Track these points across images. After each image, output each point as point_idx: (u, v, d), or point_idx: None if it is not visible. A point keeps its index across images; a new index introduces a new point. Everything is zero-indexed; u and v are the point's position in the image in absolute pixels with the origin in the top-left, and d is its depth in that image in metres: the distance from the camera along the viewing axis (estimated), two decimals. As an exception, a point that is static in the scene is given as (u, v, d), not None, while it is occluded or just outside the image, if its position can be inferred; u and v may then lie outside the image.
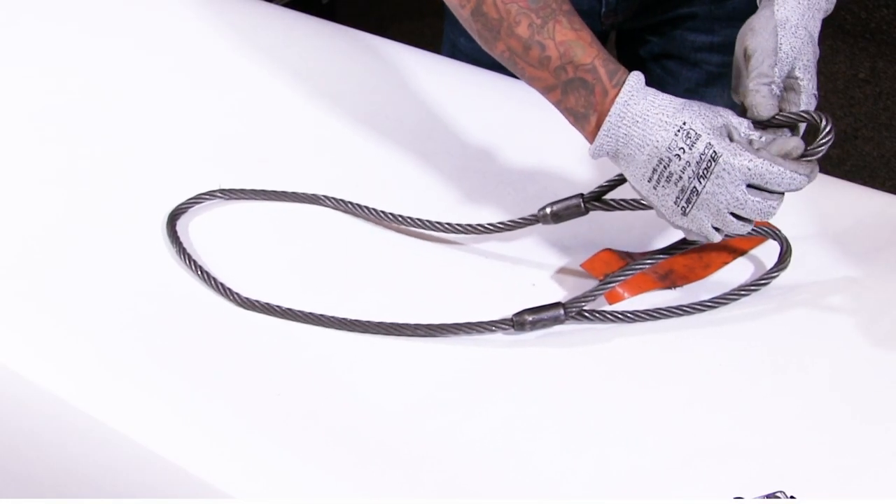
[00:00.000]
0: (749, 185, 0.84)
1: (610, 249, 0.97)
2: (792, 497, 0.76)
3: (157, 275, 0.98)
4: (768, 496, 0.76)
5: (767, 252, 0.98)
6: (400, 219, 1.01)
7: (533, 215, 0.97)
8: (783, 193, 0.86)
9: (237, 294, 0.95)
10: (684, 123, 0.85)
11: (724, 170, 0.84)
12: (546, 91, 0.90)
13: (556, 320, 0.91)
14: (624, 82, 0.87)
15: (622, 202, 0.95)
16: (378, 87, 1.22)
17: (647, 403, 0.86)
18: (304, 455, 0.82)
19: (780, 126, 0.87)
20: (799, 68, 0.89)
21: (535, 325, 0.91)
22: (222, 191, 1.06)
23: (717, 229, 0.87)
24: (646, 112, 0.86)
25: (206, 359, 0.90)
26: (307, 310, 0.93)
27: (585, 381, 0.88)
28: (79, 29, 1.33)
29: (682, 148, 0.85)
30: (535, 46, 0.89)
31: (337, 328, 0.92)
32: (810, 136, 0.87)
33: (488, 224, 0.98)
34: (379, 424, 0.84)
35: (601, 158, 0.89)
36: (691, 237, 0.89)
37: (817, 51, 0.91)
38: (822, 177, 1.09)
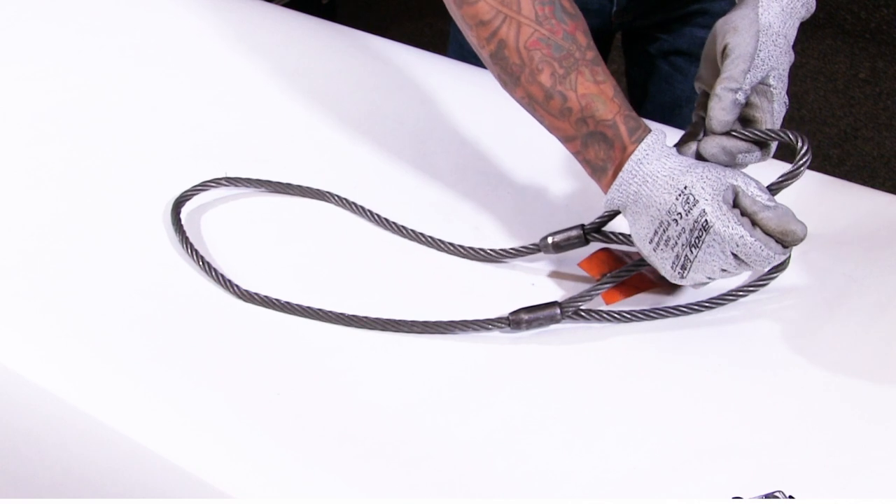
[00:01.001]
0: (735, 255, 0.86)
1: (607, 249, 0.97)
2: (790, 497, 0.76)
3: (159, 265, 0.98)
4: (767, 496, 0.76)
5: (767, 252, 0.98)
6: (403, 230, 1.01)
7: (534, 244, 0.97)
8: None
9: (237, 286, 0.95)
10: (685, 187, 0.85)
11: (713, 240, 0.85)
12: (565, 140, 0.91)
13: (553, 319, 0.91)
14: (642, 140, 0.87)
15: (622, 236, 0.95)
16: (378, 87, 1.22)
17: (644, 403, 0.86)
18: (303, 453, 0.82)
19: (754, 142, 0.88)
20: (774, 77, 0.89)
21: (531, 324, 0.91)
22: (228, 179, 1.06)
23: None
24: (656, 172, 0.86)
25: (204, 353, 0.90)
26: (306, 304, 0.93)
27: (582, 381, 0.88)
28: (83, 28, 1.33)
29: (679, 213, 0.85)
30: (557, 97, 0.89)
31: (335, 323, 0.92)
32: (788, 153, 0.88)
33: (490, 250, 0.98)
34: (375, 421, 0.84)
35: None
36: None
37: (792, 58, 0.91)
38: (822, 177, 1.10)
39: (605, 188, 0.89)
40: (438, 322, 0.91)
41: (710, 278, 0.88)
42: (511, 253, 0.98)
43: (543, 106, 0.90)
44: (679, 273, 0.87)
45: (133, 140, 1.14)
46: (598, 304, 0.94)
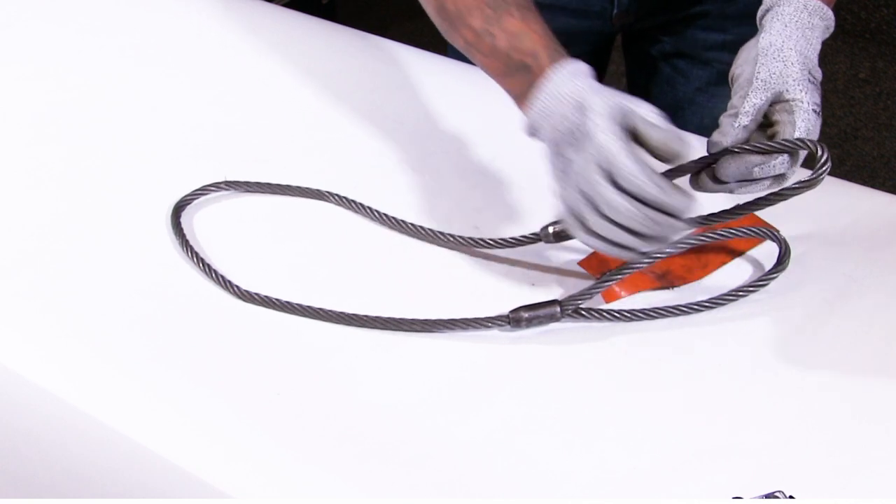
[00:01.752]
0: (611, 180, 0.84)
1: (609, 249, 0.97)
2: (791, 497, 0.76)
3: (159, 266, 0.99)
4: (767, 496, 0.76)
5: (766, 253, 0.98)
6: (402, 224, 1.01)
7: (534, 234, 0.97)
8: (657, 220, 0.84)
9: (237, 286, 0.95)
10: (585, 101, 0.86)
11: (591, 146, 0.84)
12: (497, 77, 0.94)
13: (553, 318, 0.91)
14: (561, 66, 0.89)
15: None
16: (377, 87, 1.22)
17: (644, 403, 0.86)
18: (303, 453, 0.82)
19: (777, 152, 0.87)
20: (788, 90, 0.89)
21: (531, 322, 0.91)
22: (227, 183, 1.06)
23: (620, 245, 0.86)
24: (564, 90, 0.88)
25: (204, 353, 0.90)
26: (306, 303, 0.93)
27: (582, 380, 0.88)
28: (83, 28, 1.33)
29: (572, 122, 0.86)
30: (487, 37, 0.93)
31: (335, 322, 0.92)
32: (809, 163, 0.88)
33: (489, 239, 0.98)
34: (375, 421, 0.84)
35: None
36: (603, 250, 0.88)
37: (817, 70, 0.91)
38: (821, 177, 1.09)
39: (526, 110, 0.91)
40: (438, 320, 0.91)
41: (586, 201, 0.85)
42: (511, 242, 0.98)
43: (476, 47, 0.94)
44: (557, 178, 0.88)
45: (133, 140, 1.14)
46: (598, 302, 0.94)
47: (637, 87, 1.37)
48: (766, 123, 0.91)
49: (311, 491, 0.80)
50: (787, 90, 0.89)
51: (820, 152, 0.87)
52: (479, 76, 1.24)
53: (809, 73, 0.90)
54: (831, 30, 0.95)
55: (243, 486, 0.81)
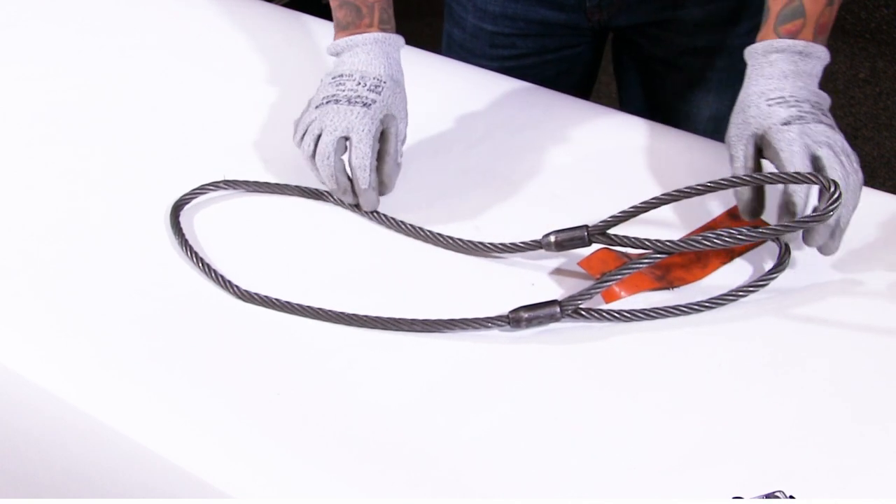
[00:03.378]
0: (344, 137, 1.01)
1: (607, 248, 0.97)
2: (791, 497, 0.76)
3: (158, 266, 0.99)
4: (767, 496, 0.76)
5: (766, 253, 0.98)
6: (402, 225, 1.01)
7: (535, 241, 0.97)
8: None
9: (237, 286, 0.95)
10: (366, 72, 1.04)
11: (328, 109, 1.02)
12: (335, 8, 1.09)
13: (553, 318, 0.91)
14: (383, 31, 1.07)
15: (626, 238, 0.94)
16: (378, 87, 1.22)
17: (644, 403, 0.86)
18: (303, 453, 0.82)
19: (795, 182, 0.90)
20: (757, 125, 0.95)
21: (531, 323, 0.91)
22: (226, 182, 1.06)
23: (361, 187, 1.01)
24: (368, 51, 1.05)
25: (204, 353, 0.90)
26: (306, 303, 0.93)
27: (582, 380, 0.88)
28: (83, 28, 1.33)
29: (344, 81, 1.04)
30: None
31: (335, 322, 0.92)
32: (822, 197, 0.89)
33: (489, 243, 0.98)
34: (375, 419, 0.84)
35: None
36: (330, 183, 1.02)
37: (813, 99, 0.96)
38: (821, 177, 1.09)
39: (336, 37, 1.08)
40: (438, 320, 0.91)
41: (315, 134, 1.01)
42: (511, 248, 0.98)
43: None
44: (321, 94, 1.04)
45: (133, 140, 1.14)
46: (598, 302, 0.94)
47: (623, 88, 1.37)
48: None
49: (311, 491, 0.80)
50: (770, 129, 0.94)
51: (833, 188, 0.88)
52: (479, 76, 1.24)
53: (780, 98, 0.95)
54: (827, 60, 1.00)
55: (243, 486, 0.81)
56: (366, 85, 1.03)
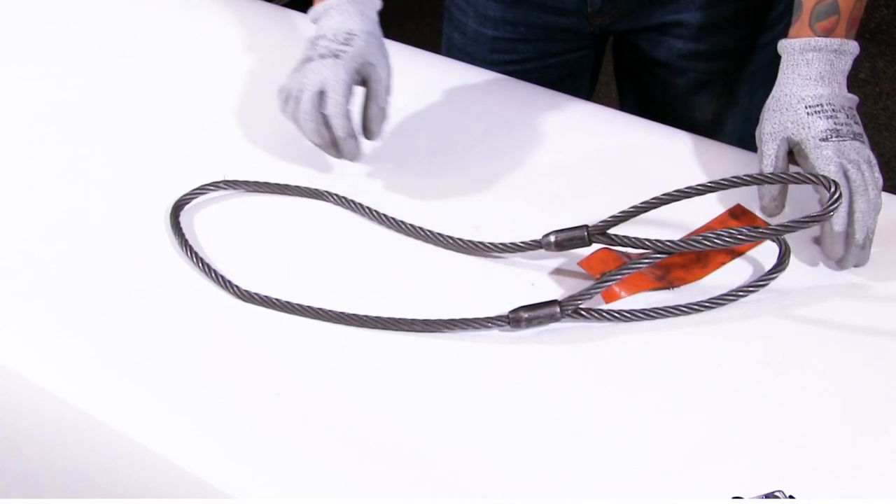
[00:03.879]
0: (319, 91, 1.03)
1: (607, 248, 0.97)
2: (791, 497, 0.76)
3: (158, 266, 0.99)
4: (767, 496, 0.76)
5: (766, 253, 0.98)
6: (401, 225, 1.01)
7: (535, 241, 0.97)
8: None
9: (237, 286, 0.95)
10: (339, 29, 1.07)
11: (309, 68, 1.05)
12: None
13: (553, 318, 0.91)
14: None
15: (626, 238, 0.94)
16: (378, 87, 1.22)
17: (644, 403, 0.86)
18: (303, 453, 0.82)
19: (796, 183, 0.93)
20: (795, 132, 0.98)
21: (531, 322, 0.91)
22: (226, 182, 1.06)
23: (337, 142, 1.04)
24: (343, 13, 1.08)
25: (204, 353, 0.90)
26: (306, 303, 0.93)
27: (582, 381, 0.88)
28: (83, 28, 1.33)
29: (322, 40, 1.07)
30: None
31: (335, 322, 0.92)
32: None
33: (489, 243, 0.98)
34: (375, 419, 0.84)
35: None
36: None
37: (847, 105, 0.99)
38: (821, 177, 1.09)
39: (315, 4, 1.11)
40: (438, 320, 0.91)
41: (296, 97, 1.04)
42: (511, 248, 0.98)
43: None
44: (303, 60, 1.06)
45: (133, 140, 1.14)
46: (598, 302, 0.94)
47: (624, 92, 1.37)
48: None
49: (311, 491, 0.80)
50: (794, 133, 0.97)
51: (833, 189, 0.89)
52: (479, 76, 1.24)
53: (818, 107, 0.98)
54: (856, 53, 1.01)
55: (243, 486, 0.81)
56: (337, 40, 1.06)
